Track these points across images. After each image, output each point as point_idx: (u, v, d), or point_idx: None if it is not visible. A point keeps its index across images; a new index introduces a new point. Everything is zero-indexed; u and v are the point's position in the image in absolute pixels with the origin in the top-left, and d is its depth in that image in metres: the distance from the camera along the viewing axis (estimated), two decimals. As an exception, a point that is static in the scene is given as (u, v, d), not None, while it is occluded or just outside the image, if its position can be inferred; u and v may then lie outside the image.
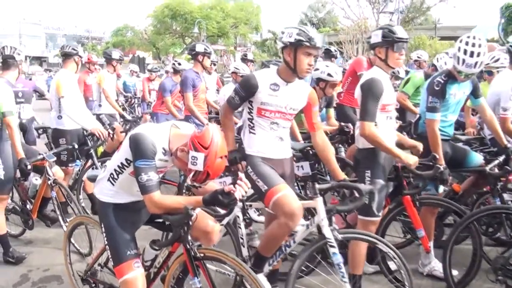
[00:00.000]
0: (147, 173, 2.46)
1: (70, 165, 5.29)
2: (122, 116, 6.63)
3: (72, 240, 3.60)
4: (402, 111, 6.56)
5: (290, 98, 3.21)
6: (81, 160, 5.50)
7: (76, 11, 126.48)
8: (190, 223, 2.56)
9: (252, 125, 3.25)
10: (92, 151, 5.20)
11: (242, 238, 3.36)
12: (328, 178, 4.88)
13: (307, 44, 3.02)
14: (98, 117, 6.74)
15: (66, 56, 5.37)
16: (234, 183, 2.53)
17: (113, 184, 2.71)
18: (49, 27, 70.42)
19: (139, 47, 47.85)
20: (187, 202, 2.48)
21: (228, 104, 3.31)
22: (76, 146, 4.91)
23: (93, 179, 3.04)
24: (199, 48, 5.81)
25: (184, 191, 5.81)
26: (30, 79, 18.75)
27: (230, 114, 3.36)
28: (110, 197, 2.75)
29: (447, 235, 3.71)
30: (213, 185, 2.74)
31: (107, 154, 6.61)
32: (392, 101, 3.55)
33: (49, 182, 4.49)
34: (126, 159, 2.60)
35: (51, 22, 71.89)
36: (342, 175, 3.22)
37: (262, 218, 3.71)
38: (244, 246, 3.37)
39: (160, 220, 2.84)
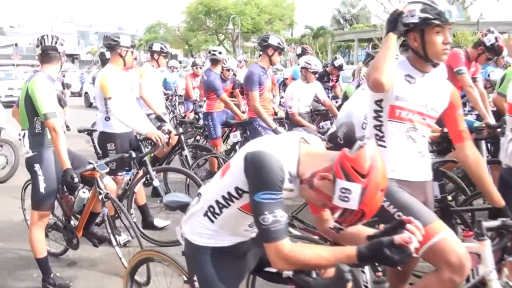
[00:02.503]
0: (272, 211, 1.65)
1: (120, 173, 4.54)
2: (158, 117, 5.84)
3: (137, 278, 2.82)
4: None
5: (429, 94, 2.40)
6: (133, 168, 4.75)
7: (107, 8, 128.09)
8: None
9: (381, 134, 2.42)
10: (146, 158, 4.43)
11: (366, 287, 2.52)
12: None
13: (437, 22, 2.24)
14: (147, 118, 5.98)
15: (109, 49, 4.65)
16: (396, 227, 1.69)
17: (212, 221, 1.92)
18: (81, 25, 71.12)
19: (172, 44, 47.49)
20: (334, 256, 1.66)
21: None
22: (134, 155, 4.15)
23: (172, 206, 2.25)
24: (273, 40, 4.99)
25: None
26: (64, 76, 18.35)
27: None
28: (208, 238, 1.94)
29: None
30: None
31: (157, 160, 5.89)
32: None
33: (100, 197, 3.73)
34: (237, 189, 1.80)
35: (83, 20, 72.65)
36: (501, 201, 2.38)
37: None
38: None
39: (274, 270, 2.01)
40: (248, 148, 1.78)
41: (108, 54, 5.99)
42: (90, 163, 3.69)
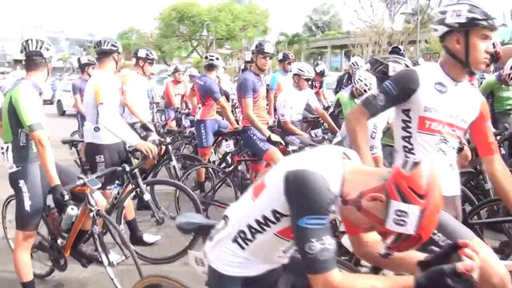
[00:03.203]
0: (320, 238, 1.47)
1: (108, 187, 4.26)
2: (144, 126, 5.57)
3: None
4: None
5: (460, 104, 2.26)
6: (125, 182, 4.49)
7: (78, 14, 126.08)
8: None
9: (410, 146, 2.26)
10: (136, 171, 4.17)
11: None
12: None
13: (485, 23, 2.11)
14: (132, 127, 5.71)
15: (104, 54, 4.37)
16: None
17: (243, 248, 1.71)
18: (51, 31, 69.61)
19: (144, 50, 46.88)
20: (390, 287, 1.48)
21: (364, 105, 2.33)
22: (127, 168, 3.89)
23: (187, 229, 2.04)
24: (268, 48, 4.86)
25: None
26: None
27: (365, 120, 2.35)
28: (238, 267, 1.73)
29: None
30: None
31: (143, 171, 5.61)
32: None
33: (91, 214, 3.46)
34: (275, 212, 1.60)
35: (53, 26, 71.23)
36: None
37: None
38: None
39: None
40: (287, 166, 1.58)
41: (140, 52, 5.76)
42: (80, 178, 3.42)
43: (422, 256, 1.68)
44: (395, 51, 6.72)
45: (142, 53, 5.68)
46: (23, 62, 3.48)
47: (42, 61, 3.47)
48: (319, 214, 1.47)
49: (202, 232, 2.03)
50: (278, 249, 1.70)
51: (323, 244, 1.46)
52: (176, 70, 9.26)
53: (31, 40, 3.48)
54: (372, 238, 1.79)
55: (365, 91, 5.52)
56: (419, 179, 1.43)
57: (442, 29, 2.19)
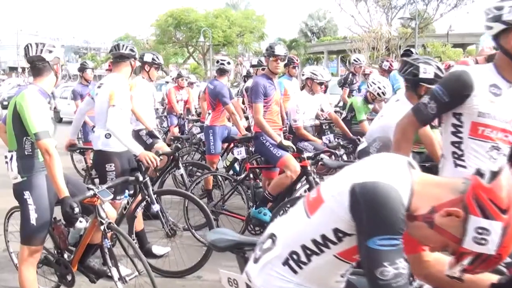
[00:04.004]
0: (393, 262, 1.27)
1: (118, 197, 4.02)
2: (150, 133, 5.35)
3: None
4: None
5: None
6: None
7: (73, 22, 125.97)
8: None
9: (460, 152, 2.08)
10: (148, 180, 3.95)
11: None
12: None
13: None
14: (138, 134, 5.50)
15: (121, 58, 4.20)
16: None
17: (296, 272, 1.48)
18: (47, 38, 69.34)
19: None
20: None
21: (414, 114, 2.13)
22: (141, 178, 3.68)
23: (221, 247, 1.83)
24: (279, 50, 4.65)
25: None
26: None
27: (412, 132, 2.16)
28: None
29: None
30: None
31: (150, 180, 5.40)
32: None
33: (101, 227, 3.24)
34: (337, 231, 1.39)
35: (48, 33, 70.91)
36: None
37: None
38: None
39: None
40: (352, 177, 1.37)
41: (146, 56, 5.56)
42: (89, 188, 3.20)
43: (494, 278, 1.49)
44: (407, 54, 6.55)
45: (148, 57, 5.48)
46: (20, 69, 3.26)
47: (46, 65, 3.23)
48: (393, 234, 1.27)
49: (237, 251, 1.82)
50: (336, 273, 1.49)
51: (397, 269, 1.26)
52: (179, 76, 9.06)
53: (30, 45, 3.25)
54: (434, 257, 1.59)
55: (378, 94, 5.36)
56: (500, 192, 1.24)
57: (499, 26, 2.00)
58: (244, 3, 52.89)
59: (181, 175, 5.31)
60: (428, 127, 2.78)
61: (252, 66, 7.58)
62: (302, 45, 48.11)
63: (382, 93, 5.33)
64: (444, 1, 31.66)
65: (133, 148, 3.96)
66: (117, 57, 4.22)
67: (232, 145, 6.31)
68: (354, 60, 8.68)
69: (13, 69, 55.75)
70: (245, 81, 8.42)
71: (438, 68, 3.24)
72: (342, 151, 4.54)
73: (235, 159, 6.20)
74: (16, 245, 3.43)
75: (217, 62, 6.30)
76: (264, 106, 4.62)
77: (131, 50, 4.26)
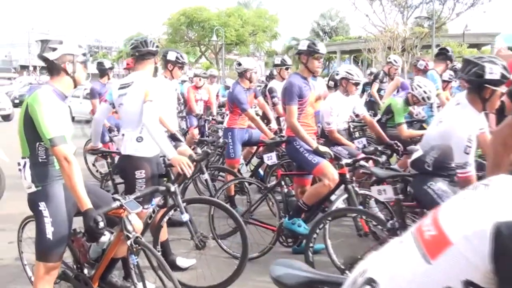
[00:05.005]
0: None
1: (146, 206, 3.65)
2: (172, 136, 5.02)
3: None
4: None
5: None
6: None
7: (85, 20, 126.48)
8: None
9: None
10: (177, 188, 3.61)
11: None
12: None
13: None
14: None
15: (148, 55, 3.93)
16: None
17: None
18: (58, 37, 69.59)
19: (152, 56, 46.59)
20: None
21: None
22: (172, 189, 3.35)
23: (288, 284, 1.48)
24: (323, 48, 4.32)
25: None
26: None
27: None
28: None
29: None
30: None
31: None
32: None
33: (128, 242, 2.90)
34: (468, 284, 0.99)
35: (60, 31, 71.20)
36: None
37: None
38: None
39: None
40: (491, 211, 1.01)
41: (169, 55, 5.19)
42: (115, 199, 2.86)
43: None
44: (443, 52, 6.16)
45: (171, 56, 5.12)
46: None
47: (53, 65, 2.88)
48: None
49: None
50: None
51: None
52: (195, 75, 8.72)
53: (40, 41, 2.90)
54: None
55: (423, 99, 5.04)
56: None
57: None
58: (256, 2, 52.59)
59: (206, 180, 4.97)
60: None
61: (275, 65, 7.19)
62: (315, 45, 47.74)
63: (428, 97, 5.02)
64: (460, 0, 31.04)
65: (167, 149, 3.61)
66: (144, 54, 3.91)
67: (257, 149, 5.96)
68: (393, 60, 8.37)
69: (24, 67, 55.89)
70: (267, 81, 8.06)
71: (504, 67, 2.88)
72: (383, 157, 4.16)
73: (259, 164, 5.84)
74: (31, 256, 3.10)
75: (239, 64, 5.81)
76: (298, 108, 4.26)
77: (157, 46, 4.02)
